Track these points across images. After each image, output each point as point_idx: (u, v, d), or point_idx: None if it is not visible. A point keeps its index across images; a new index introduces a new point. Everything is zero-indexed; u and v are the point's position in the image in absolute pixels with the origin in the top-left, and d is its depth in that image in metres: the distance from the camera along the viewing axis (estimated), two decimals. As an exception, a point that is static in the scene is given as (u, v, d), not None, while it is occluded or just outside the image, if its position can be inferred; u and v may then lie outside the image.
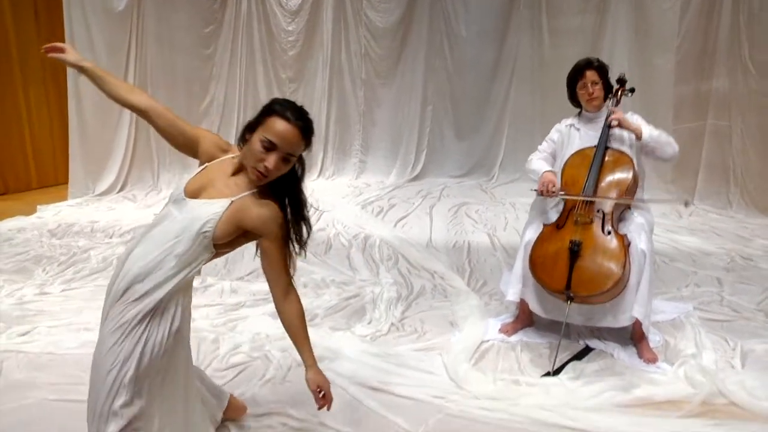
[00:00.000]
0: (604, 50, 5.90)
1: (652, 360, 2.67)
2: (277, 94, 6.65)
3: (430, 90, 7.11)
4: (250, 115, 6.11)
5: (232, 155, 1.75)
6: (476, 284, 3.71)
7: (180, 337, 1.68)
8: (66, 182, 5.89)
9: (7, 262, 3.91)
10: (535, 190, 2.92)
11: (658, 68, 5.67)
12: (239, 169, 1.70)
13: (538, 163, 3.04)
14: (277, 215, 1.67)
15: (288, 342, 2.71)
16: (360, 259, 4.15)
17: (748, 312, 3.23)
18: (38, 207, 5.30)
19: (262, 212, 1.65)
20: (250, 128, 1.67)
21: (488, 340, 2.91)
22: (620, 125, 2.81)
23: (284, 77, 6.61)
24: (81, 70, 1.81)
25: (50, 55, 1.82)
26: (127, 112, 5.76)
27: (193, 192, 1.68)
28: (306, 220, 1.73)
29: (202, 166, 1.76)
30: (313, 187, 6.46)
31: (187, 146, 1.79)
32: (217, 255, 1.70)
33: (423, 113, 7.13)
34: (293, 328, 1.75)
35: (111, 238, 4.51)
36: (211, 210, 1.63)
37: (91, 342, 2.73)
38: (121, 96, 1.79)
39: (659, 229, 4.52)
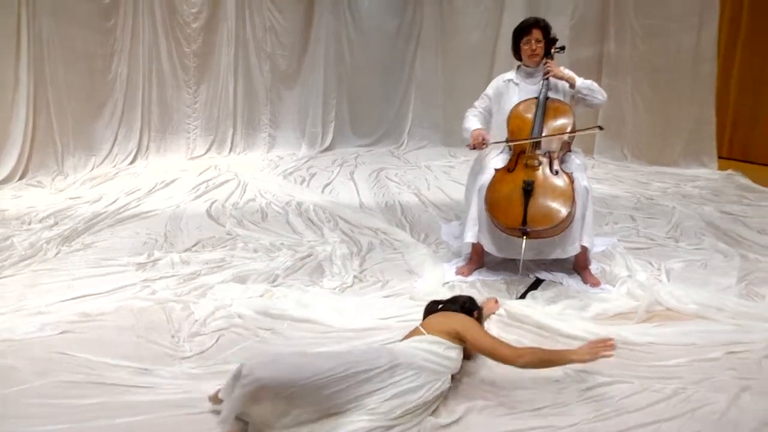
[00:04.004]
0: (505, 14, 6.27)
1: (596, 284, 3.03)
2: (181, 70, 6.47)
3: (334, 62, 7.18)
4: (156, 92, 5.90)
5: None
6: (419, 237, 3.92)
7: None
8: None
9: None
10: (468, 145, 3.16)
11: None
12: None
13: (470, 120, 3.31)
14: None
15: (264, 304, 2.83)
16: (300, 223, 4.22)
17: (661, 240, 3.73)
18: (-71, 202, 4.86)
19: None
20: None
21: (448, 282, 3.14)
22: (555, 75, 3.11)
23: (188, 51, 6.42)
24: None
25: None
26: (22, 92, 5.39)
27: None
28: None
29: None
30: (228, 162, 6.41)
31: None
32: None
33: (327, 85, 7.19)
34: (544, 359, 2.12)
35: (30, 224, 4.24)
36: None
37: (50, 324, 2.70)
38: None
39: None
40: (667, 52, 5.64)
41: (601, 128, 3.18)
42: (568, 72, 3.19)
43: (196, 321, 2.70)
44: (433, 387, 1.98)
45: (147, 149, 6.34)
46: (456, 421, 1.97)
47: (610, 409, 2.04)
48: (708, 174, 5.48)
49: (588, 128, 3.26)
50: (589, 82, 3.14)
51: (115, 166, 5.94)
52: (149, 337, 2.59)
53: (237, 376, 1.78)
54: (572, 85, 3.12)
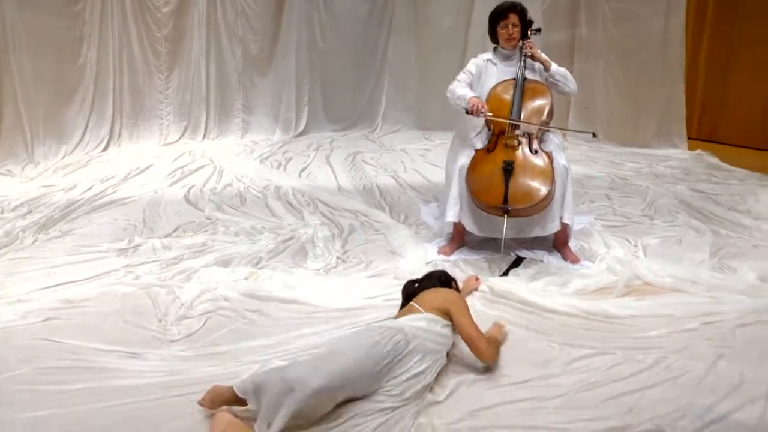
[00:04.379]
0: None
1: (576, 261, 3.10)
2: (152, 55, 6.35)
3: (306, 46, 7.12)
4: (127, 78, 5.73)
5: None
6: (399, 218, 3.94)
7: None
8: None
9: None
10: (465, 109, 3.14)
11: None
12: None
13: (464, 89, 3.28)
14: None
15: (250, 286, 2.84)
16: (280, 207, 4.21)
17: (636, 218, 3.85)
18: None
19: None
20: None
21: (431, 261, 3.18)
22: (533, 56, 3.16)
23: (159, 36, 6.30)
24: None
25: None
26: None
27: None
28: None
29: None
30: (202, 148, 6.34)
31: None
32: None
33: (300, 69, 7.14)
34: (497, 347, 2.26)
35: (3, 213, 4.15)
36: None
37: (32, 312, 2.67)
38: None
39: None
40: (637, 36, 5.73)
41: (594, 135, 3.32)
42: (544, 56, 3.25)
43: (183, 304, 2.70)
44: (435, 366, 2.04)
45: (119, 136, 6.22)
46: (448, 396, 2.02)
47: (596, 379, 2.11)
48: (678, 154, 5.61)
49: (581, 131, 3.35)
50: (563, 70, 3.23)
51: (87, 153, 5.83)
52: (135, 321, 2.59)
53: (284, 392, 1.74)
54: (546, 69, 3.19)
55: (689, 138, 5.88)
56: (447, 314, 2.16)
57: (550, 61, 3.23)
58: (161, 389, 2.10)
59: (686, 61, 5.77)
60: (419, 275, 2.62)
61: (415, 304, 2.21)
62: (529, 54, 3.20)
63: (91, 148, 5.96)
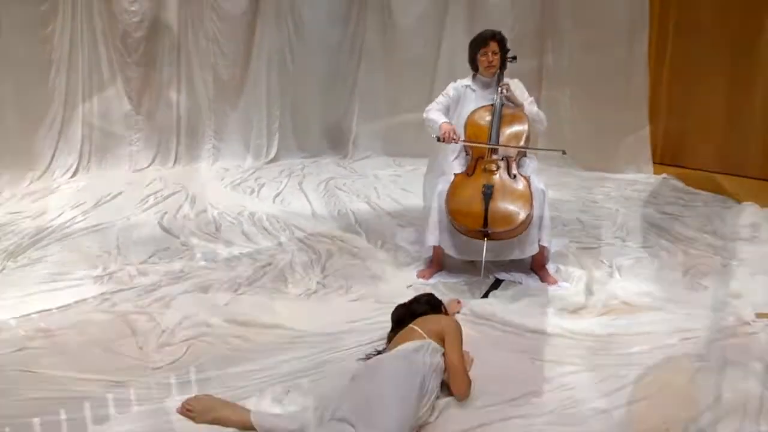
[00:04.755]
0: (446, 28, 6.44)
1: (554, 282, 3.17)
2: (122, 81, 6.30)
3: (277, 72, 7.15)
4: (97, 104, 5.61)
5: None
6: (376, 244, 3.95)
7: None
8: None
9: None
10: (437, 137, 3.24)
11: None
12: None
13: (436, 114, 3.39)
14: None
15: (232, 311, 2.82)
16: (256, 233, 4.20)
17: (609, 239, 3.93)
18: None
19: None
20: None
21: (410, 285, 3.20)
22: (509, 99, 3.27)
23: (129, 61, 6.26)
24: None
25: None
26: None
27: None
28: None
29: None
30: (173, 174, 6.27)
31: None
32: None
33: (270, 96, 7.14)
34: None
35: (-31, 239, 4.07)
36: None
37: (5, 341, 2.61)
38: None
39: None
40: (602, 64, 5.91)
41: (564, 152, 3.42)
42: (520, 92, 3.38)
43: (164, 331, 2.67)
44: (433, 397, 2.06)
45: (88, 162, 6.12)
46: (438, 416, 2.04)
47: (582, 395, 2.16)
48: (645, 178, 5.77)
49: (551, 149, 3.44)
50: (535, 111, 3.38)
51: (55, 180, 5.72)
52: (116, 349, 2.55)
53: None
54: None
55: (654, 162, 6.06)
56: (441, 340, 2.18)
57: (524, 104, 3.35)
58: (147, 418, 2.07)
59: (650, 89, 5.98)
60: (403, 299, 2.64)
61: (417, 328, 2.22)
62: (505, 95, 3.29)
63: (59, 174, 5.84)
